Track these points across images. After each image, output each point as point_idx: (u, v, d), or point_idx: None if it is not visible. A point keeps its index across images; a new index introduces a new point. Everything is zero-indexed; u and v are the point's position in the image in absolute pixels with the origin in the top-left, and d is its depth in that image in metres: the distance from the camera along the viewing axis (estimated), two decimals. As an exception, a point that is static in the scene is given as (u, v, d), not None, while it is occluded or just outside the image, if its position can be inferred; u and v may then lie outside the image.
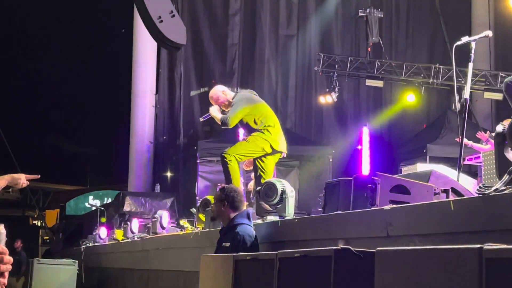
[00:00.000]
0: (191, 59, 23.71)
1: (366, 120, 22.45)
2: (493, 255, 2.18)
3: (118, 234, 13.05)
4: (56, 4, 33.48)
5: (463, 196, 4.97)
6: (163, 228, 10.28)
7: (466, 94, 6.65)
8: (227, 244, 5.80)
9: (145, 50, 22.49)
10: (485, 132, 12.11)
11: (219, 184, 17.95)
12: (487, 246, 2.21)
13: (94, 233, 15.87)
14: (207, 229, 8.04)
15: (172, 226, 10.52)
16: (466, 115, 6.47)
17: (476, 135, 11.88)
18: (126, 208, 18.05)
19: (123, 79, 24.86)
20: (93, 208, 20.86)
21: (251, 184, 11.59)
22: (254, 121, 8.11)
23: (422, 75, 20.07)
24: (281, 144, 8.21)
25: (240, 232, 5.78)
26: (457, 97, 18.18)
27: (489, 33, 6.66)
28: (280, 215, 6.51)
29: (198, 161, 18.92)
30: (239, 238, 5.73)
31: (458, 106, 18.48)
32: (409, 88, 20.88)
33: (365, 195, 5.05)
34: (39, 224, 34.44)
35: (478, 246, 2.23)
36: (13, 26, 33.18)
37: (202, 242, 7.99)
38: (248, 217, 6.04)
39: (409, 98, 20.88)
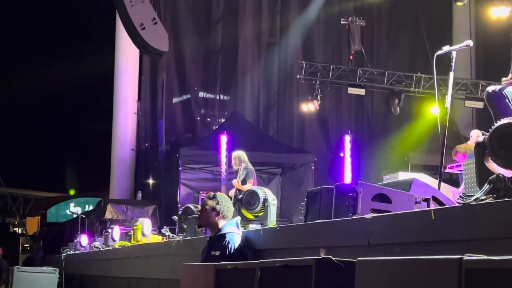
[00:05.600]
0: (174, 66, 23.69)
1: (348, 128, 22.53)
2: (473, 266, 2.19)
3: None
4: (38, 9, 33.35)
5: (444, 205, 4.98)
6: (144, 236, 10.24)
7: (447, 102, 6.69)
8: (217, 253, 5.71)
9: (128, 57, 22.43)
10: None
11: (201, 192, 17.97)
12: (467, 257, 2.21)
13: (75, 240, 15.77)
14: (189, 237, 8.02)
15: (153, 234, 10.48)
16: (447, 124, 6.49)
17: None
18: (108, 215, 17.95)
19: (105, 86, 24.79)
20: (74, 215, 20.72)
21: (232, 192, 11.59)
22: None
23: (403, 83, 20.17)
24: None
25: (230, 241, 5.71)
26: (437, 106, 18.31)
27: (470, 42, 6.69)
28: (261, 223, 6.50)
29: (180, 168, 18.86)
30: (229, 247, 5.66)
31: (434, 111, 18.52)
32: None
33: (346, 204, 5.05)
34: (19, 232, 34.13)
35: (458, 256, 2.23)
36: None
37: (183, 250, 7.96)
38: (237, 226, 6.00)
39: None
